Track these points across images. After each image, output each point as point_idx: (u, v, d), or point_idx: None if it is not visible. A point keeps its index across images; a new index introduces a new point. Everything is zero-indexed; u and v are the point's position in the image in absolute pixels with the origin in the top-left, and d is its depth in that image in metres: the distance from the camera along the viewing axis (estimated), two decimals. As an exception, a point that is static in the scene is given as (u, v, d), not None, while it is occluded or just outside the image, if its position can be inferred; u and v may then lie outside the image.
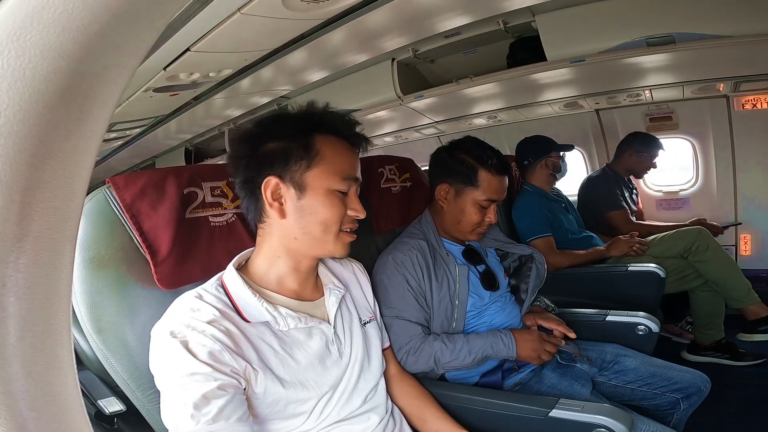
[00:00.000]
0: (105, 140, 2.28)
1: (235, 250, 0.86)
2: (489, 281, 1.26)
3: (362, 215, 0.83)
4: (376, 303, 1.01)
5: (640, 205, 2.76)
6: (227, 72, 1.33)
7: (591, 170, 3.13)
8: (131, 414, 0.83)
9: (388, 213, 1.33)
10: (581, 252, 2.03)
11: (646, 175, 2.62)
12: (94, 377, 1.29)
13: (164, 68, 1.11)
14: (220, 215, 0.89)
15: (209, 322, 0.69)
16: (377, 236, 1.29)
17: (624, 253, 2.05)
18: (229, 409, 0.64)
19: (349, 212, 0.82)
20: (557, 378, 1.19)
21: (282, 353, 0.75)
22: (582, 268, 1.98)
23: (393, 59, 2.16)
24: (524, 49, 1.99)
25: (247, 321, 0.74)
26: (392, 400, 0.96)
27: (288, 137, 0.79)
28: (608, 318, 1.42)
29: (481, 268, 1.27)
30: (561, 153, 2.18)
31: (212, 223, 0.88)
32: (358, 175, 0.84)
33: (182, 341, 0.66)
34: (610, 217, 2.41)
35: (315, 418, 0.77)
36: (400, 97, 2.28)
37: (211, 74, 1.29)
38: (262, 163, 0.78)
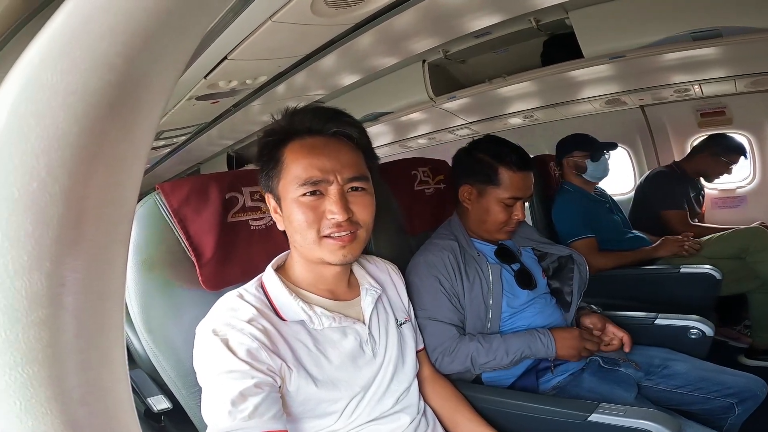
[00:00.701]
0: (154, 148, 2.41)
1: (273, 252, 0.88)
2: (524, 280, 1.22)
3: (338, 217, 0.75)
4: (410, 304, 1.00)
5: (704, 208, 2.60)
6: (263, 79, 1.38)
7: (638, 169, 2.99)
8: (177, 412, 0.87)
9: (421, 215, 1.32)
10: (626, 253, 1.93)
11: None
12: (145, 376, 1.36)
13: (204, 77, 1.16)
14: (259, 219, 0.92)
15: (248, 321, 0.72)
16: (411, 238, 1.28)
17: (674, 254, 1.94)
18: (263, 406, 0.65)
19: (326, 215, 0.76)
20: (598, 382, 1.14)
21: (315, 352, 0.76)
22: (629, 269, 1.89)
23: (423, 61, 2.15)
24: (559, 46, 1.93)
25: (284, 320, 0.76)
26: (425, 401, 0.95)
27: (263, 156, 0.81)
28: (657, 321, 1.35)
29: (516, 266, 1.24)
30: (587, 152, 2.07)
31: (252, 227, 0.91)
32: (329, 176, 0.76)
33: (223, 339, 0.69)
34: (667, 216, 2.28)
35: (346, 418, 0.78)
36: (432, 99, 2.26)
37: (247, 81, 1.34)
38: (262, 179, 0.83)
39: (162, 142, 2.19)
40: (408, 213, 1.29)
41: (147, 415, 1.15)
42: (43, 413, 0.22)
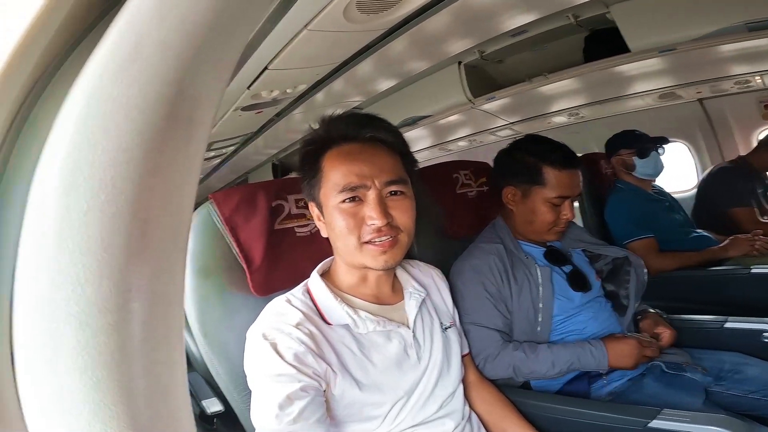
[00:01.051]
0: (206, 159, 2.53)
1: (319, 258, 0.89)
2: (578, 281, 1.17)
3: (377, 222, 0.74)
4: (455, 308, 0.99)
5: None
6: (302, 87, 1.41)
7: (700, 165, 2.80)
8: (228, 415, 0.89)
9: (464, 218, 1.30)
10: (691, 253, 1.79)
11: None
12: (200, 379, 1.42)
13: (248, 87, 1.21)
14: (305, 226, 0.95)
15: (296, 325, 0.73)
16: (454, 242, 1.26)
17: (745, 254, 1.77)
18: (308, 410, 0.66)
19: (366, 220, 0.76)
20: (661, 387, 1.06)
21: (360, 356, 0.77)
22: (693, 270, 1.76)
23: (459, 62, 2.12)
24: (601, 41, 1.85)
25: (329, 324, 0.77)
26: (471, 407, 0.93)
27: (303, 165, 0.83)
28: (727, 325, 1.25)
29: (568, 268, 1.19)
30: (633, 148, 1.94)
31: (297, 233, 0.93)
32: (367, 181, 0.76)
33: (272, 343, 0.71)
34: (735, 214, 2.10)
35: (389, 422, 0.77)
36: (470, 100, 2.22)
37: (288, 90, 1.38)
38: (304, 188, 0.84)
39: (212, 153, 2.29)
40: (451, 217, 1.27)
41: (201, 417, 1.20)
42: (110, 416, 0.23)
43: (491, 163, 1.31)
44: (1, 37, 0.21)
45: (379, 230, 0.75)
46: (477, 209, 1.33)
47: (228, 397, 0.86)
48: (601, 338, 1.08)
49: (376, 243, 0.76)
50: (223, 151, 2.31)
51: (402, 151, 0.83)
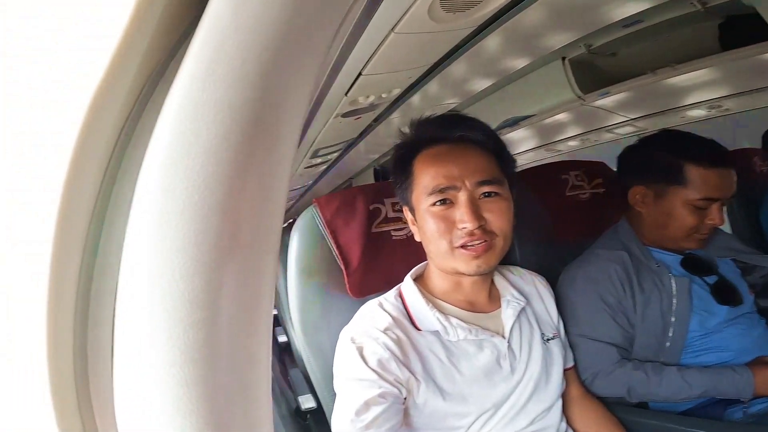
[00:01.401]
0: (312, 165, 2.71)
1: (414, 262, 0.89)
2: (725, 294, 0.99)
3: (468, 225, 0.71)
4: (560, 320, 0.91)
5: None
6: (396, 91, 1.42)
7: None
8: (320, 412, 0.94)
9: (574, 223, 1.19)
10: None
11: None
12: (301, 376, 1.53)
13: (345, 94, 1.25)
14: (400, 229, 0.95)
15: (384, 330, 0.73)
16: (562, 249, 1.16)
17: None
18: (382, 418, 0.65)
19: (457, 224, 0.73)
20: None
21: (448, 364, 0.74)
22: None
23: (563, 58, 1.94)
24: (739, 28, 1.57)
25: (419, 329, 0.76)
26: (569, 424, 0.85)
27: (396, 170, 0.82)
28: None
29: (712, 279, 1.01)
30: None
31: (394, 237, 0.94)
32: (456, 182, 0.73)
33: (358, 347, 0.71)
34: None
35: None
36: (580, 97, 2.03)
37: (383, 95, 1.40)
38: (398, 192, 0.84)
39: (319, 160, 2.44)
40: (558, 221, 1.17)
41: (296, 412, 1.28)
42: (191, 411, 0.24)
43: (609, 163, 1.18)
44: (100, 47, 0.23)
45: (471, 234, 0.72)
46: (590, 213, 1.21)
47: (319, 395, 0.89)
48: (748, 363, 0.91)
49: (468, 247, 0.72)
50: (329, 157, 2.46)
51: (496, 151, 0.79)
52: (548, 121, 2.52)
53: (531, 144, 3.23)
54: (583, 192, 1.22)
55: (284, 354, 2.50)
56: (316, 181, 3.52)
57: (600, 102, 2.19)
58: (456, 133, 0.78)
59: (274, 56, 0.23)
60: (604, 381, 0.92)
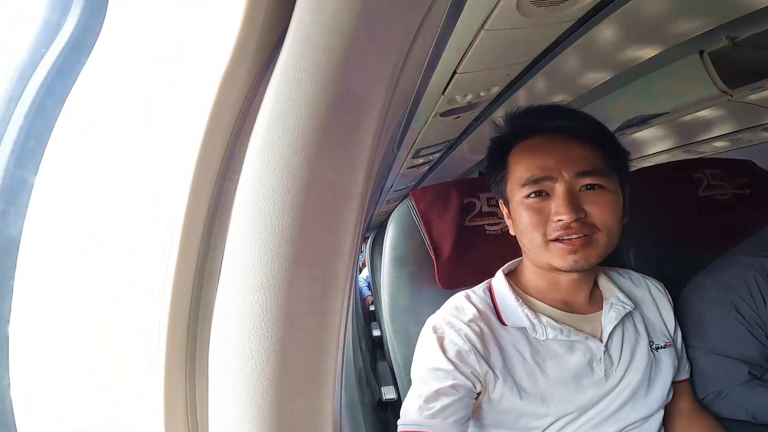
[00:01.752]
0: (415, 166, 2.79)
1: (508, 257, 0.87)
2: None
3: (564, 218, 0.67)
4: (677, 329, 0.82)
5: None
6: (496, 89, 1.42)
7: None
8: (400, 404, 0.99)
9: (707, 226, 1.06)
10: None
11: None
12: (387, 367, 1.57)
13: (442, 93, 1.30)
14: (495, 224, 0.96)
15: (467, 322, 0.73)
16: (686, 254, 1.04)
17: None
18: (450, 409, 0.65)
19: (552, 216, 0.69)
20: None
21: (531, 363, 0.71)
22: None
23: (701, 51, 1.67)
24: None
25: (505, 324, 0.74)
26: None
27: (491, 163, 0.81)
28: None
29: None
30: None
31: (488, 231, 0.95)
32: (553, 173, 0.70)
33: (439, 337, 0.72)
34: None
35: None
36: (725, 92, 1.72)
37: (481, 93, 1.40)
38: (493, 186, 0.83)
39: (420, 160, 2.52)
40: (685, 223, 1.06)
41: (378, 403, 1.36)
42: (259, 405, 0.27)
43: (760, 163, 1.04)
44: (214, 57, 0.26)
45: (567, 227, 0.68)
46: (729, 215, 1.07)
47: (399, 386, 0.92)
48: None
49: (564, 241, 0.68)
50: (430, 157, 2.51)
51: (601, 142, 0.73)
52: (687, 119, 2.19)
53: (665, 145, 2.82)
54: (722, 192, 1.08)
55: (376, 348, 2.59)
56: (419, 182, 3.63)
57: (753, 97, 1.84)
58: (553, 123, 0.74)
59: (349, 55, 0.24)
60: (728, 402, 0.81)
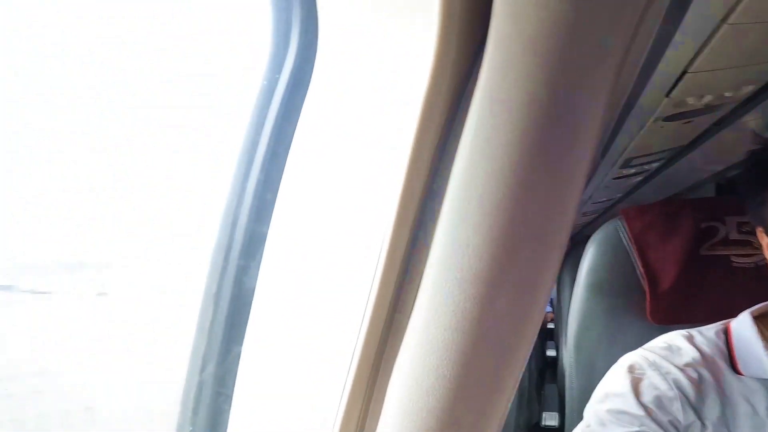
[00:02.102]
0: (625, 176, 2.47)
1: (759, 297, 0.72)
2: None
3: None
4: None
5: None
6: (749, 88, 1.12)
7: None
8: None
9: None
10: None
11: None
12: (555, 393, 1.46)
13: (666, 95, 1.12)
14: (748, 256, 0.81)
15: (682, 366, 0.63)
16: None
17: None
18: None
19: None
20: None
21: (763, 418, 0.59)
22: None
23: None
24: None
25: (740, 374, 0.62)
26: None
27: (749, 181, 0.67)
28: None
29: None
30: None
31: (734, 264, 0.81)
32: None
33: (636, 378, 0.63)
34: None
35: None
36: None
37: (726, 94, 1.14)
38: (751, 209, 0.69)
39: (632, 170, 2.21)
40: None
41: (534, 426, 1.26)
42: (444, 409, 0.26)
43: None
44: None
45: None
46: None
47: (567, 416, 0.85)
48: None
49: None
50: (645, 167, 2.17)
51: None
52: None
53: None
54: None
55: (547, 368, 2.41)
56: (627, 194, 3.12)
57: None
58: None
59: (560, 54, 0.22)
60: None
